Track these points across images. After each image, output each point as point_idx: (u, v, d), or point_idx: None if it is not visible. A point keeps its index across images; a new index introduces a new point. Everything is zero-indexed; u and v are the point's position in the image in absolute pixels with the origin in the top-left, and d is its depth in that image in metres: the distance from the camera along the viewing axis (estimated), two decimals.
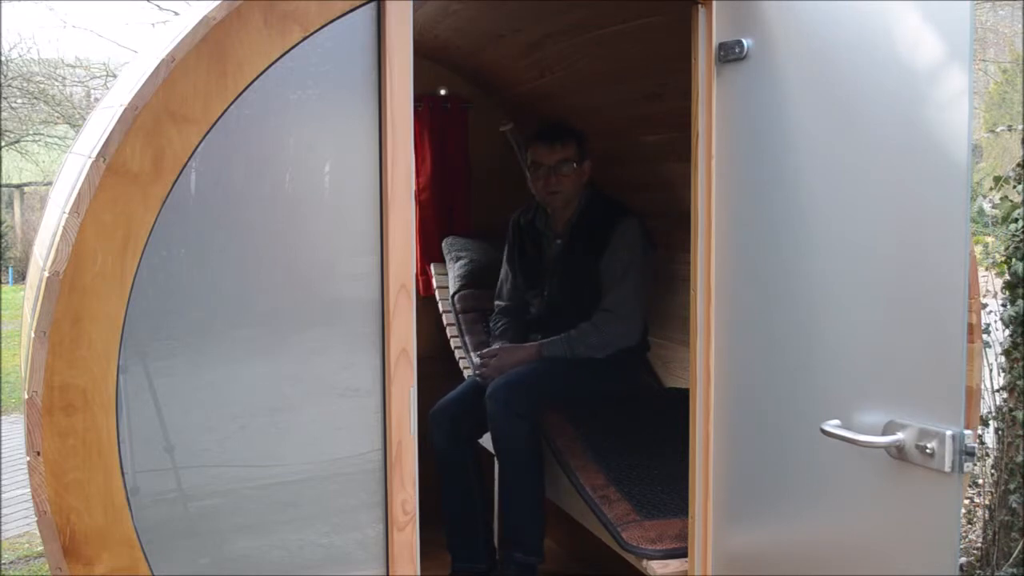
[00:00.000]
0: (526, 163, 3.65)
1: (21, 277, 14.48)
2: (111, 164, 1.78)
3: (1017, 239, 3.50)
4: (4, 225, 15.76)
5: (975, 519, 4.14)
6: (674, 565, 2.63)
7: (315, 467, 2.07)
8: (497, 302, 3.85)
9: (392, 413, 2.04)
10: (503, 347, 3.57)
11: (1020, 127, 4.52)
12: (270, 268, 2.03)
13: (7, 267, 15.41)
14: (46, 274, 1.77)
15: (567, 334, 3.45)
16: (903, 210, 1.81)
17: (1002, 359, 3.67)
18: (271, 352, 2.04)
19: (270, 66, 1.91)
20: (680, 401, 2.51)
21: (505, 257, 3.84)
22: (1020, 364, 3.49)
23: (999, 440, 3.69)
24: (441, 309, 4.21)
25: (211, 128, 1.86)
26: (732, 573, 2.29)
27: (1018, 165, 3.61)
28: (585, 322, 3.45)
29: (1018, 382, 3.50)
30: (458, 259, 4.22)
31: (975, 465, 3.99)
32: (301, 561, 2.06)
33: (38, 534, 2.05)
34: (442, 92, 4.30)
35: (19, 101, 15.04)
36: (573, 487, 3.06)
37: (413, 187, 2.03)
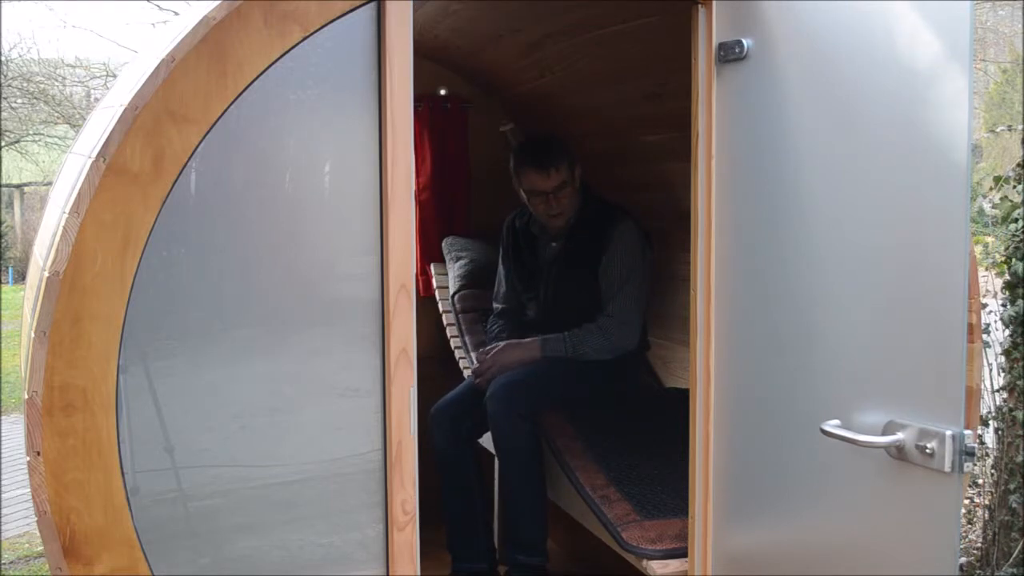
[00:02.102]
0: (519, 185, 3.52)
1: (21, 277, 14.48)
2: (111, 164, 1.78)
3: (1017, 239, 3.50)
4: (4, 225, 15.77)
5: (975, 519, 4.14)
6: (674, 565, 2.63)
7: (315, 467, 2.07)
8: (494, 304, 3.85)
9: (392, 413, 2.04)
10: (503, 343, 3.56)
11: (1020, 127, 4.52)
12: (270, 268, 2.02)
13: (7, 267, 15.42)
14: (46, 274, 1.77)
15: (570, 332, 3.44)
16: (903, 210, 1.81)
17: (1002, 359, 3.67)
18: (271, 352, 2.04)
19: (270, 66, 1.90)
20: (680, 401, 2.51)
21: (500, 260, 3.83)
22: (1020, 364, 3.49)
23: (999, 440, 3.68)
24: (441, 309, 4.21)
25: (211, 128, 1.86)
26: (732, 573, 2.29)
27: (1018, 165, 3.61)
28: (589, 323, 3.45)
29: (1018, 382, 3.50)
30: (458, 259, 4.22)
31: (975, 465, 3.99)
32: (301, 561, 2.06)
33: (38, 534, 2.05)
34: (442, 92, 4.29)
35: (19, 101, 15.04)
36: (573, 487, 3.06)
37: (413, 187, 2.03)
